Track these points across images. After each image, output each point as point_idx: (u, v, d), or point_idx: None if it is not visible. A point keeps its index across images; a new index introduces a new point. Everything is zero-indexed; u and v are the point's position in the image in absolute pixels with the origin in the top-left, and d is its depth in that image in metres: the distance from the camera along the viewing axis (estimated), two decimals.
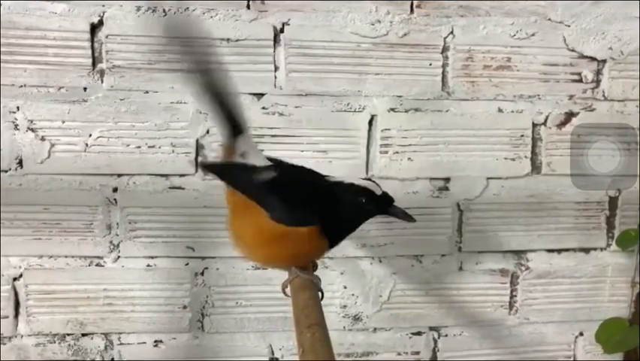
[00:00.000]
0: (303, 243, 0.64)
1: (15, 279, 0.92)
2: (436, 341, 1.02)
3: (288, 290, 0.68)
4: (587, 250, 1.02)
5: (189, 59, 0.70)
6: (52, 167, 0.89)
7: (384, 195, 0.67)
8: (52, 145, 0.89)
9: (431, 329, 1.01)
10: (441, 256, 0.99)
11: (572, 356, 1.05)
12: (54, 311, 0.93)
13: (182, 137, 0.91)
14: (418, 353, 1.01)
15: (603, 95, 0.97)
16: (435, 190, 0.97)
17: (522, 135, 0.97)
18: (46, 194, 0.90)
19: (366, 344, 1.00)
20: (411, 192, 0.96)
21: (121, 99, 0.89)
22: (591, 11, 0.95)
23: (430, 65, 0.94)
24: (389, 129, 0.94)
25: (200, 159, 0.92)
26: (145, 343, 0.96)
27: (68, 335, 0.94)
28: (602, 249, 1.02)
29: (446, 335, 1.02)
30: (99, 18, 0.87)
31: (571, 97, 0.97)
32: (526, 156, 0.97)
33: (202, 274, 0.95)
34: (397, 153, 0.95)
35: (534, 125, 0.97)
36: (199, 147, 0.92)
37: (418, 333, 1.01)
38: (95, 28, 0.88)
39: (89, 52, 0.88)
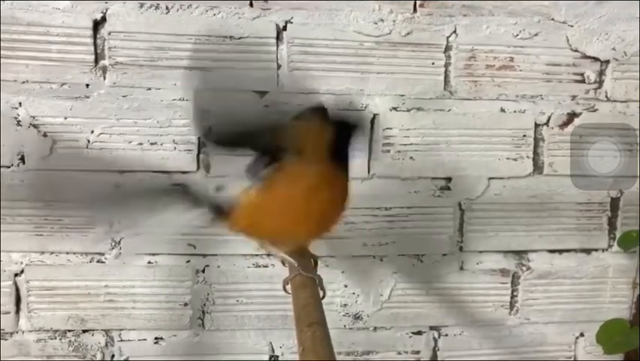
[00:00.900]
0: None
1: (16, 275, 0.92)
2: (436, 341, 1.02)
3: (288, 287, 0.68)
4: (588, 251, 1.02)
5: None
6: (55, 163, 0.89)
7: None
8: (55, 141, 0.89)
9: (432, 328, 1.01)
10: (442, 256, 0.99)
11: (573, 356, 1.05)
12: (55, 307, 0.93)
13: (185, 134, 0.91)
14: (418, 352, 1.01)
15: (606, 96, 0.97)
16: (436, 190, 0.97)
17: (524, 135, 0.97)
18: (48, 190, 0.90)
19: (366, 343, 1.00)
20: (412, 191, 0.96)
21: (123, 96, 0.89)
22: (595, 12, 0.95)
23: (433, 64, 0.94)
24: (391, 128, 0.94)
25: (202, 156, 0.92)
26: (145, 340, 0.96)
27: (69, 331, 0.95)
28: (603, 250, 1.02)
29: (446, 335, 1.02)
30: (102, 15, 0.87)
31: (573, 97, 0.97)
32: (528, 156, 0.97)
33: (203, 271, 0.95)
34: (399, 152, 0.95)
35: (536, 125, 0.97)
36: (201, 144, 0.92)
37: (419, 332, 1.01)
38: (97, 25, 0.88)
39: (92, 48, 0.88)
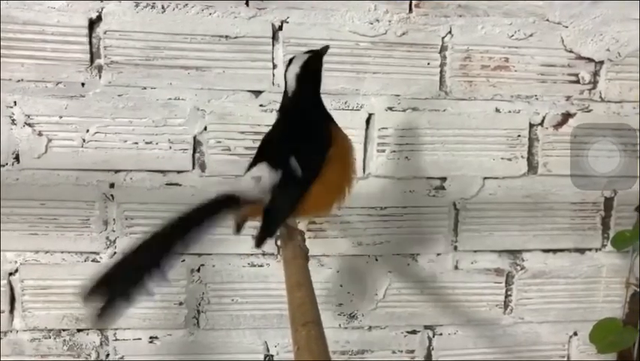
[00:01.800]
0: (344, 136, 0.72)
1: (11, 274, 0.92)
2: (430, 340, 1.02)
3: (279, 243, 0.72)
4: (582, 251, 1.02)
5: None
6: (50, 162, 0.89)
7: (311, 51, 0.72)
8: (50, 140, 0.89)
9: (426, 327, 1.02)
10: (436, 255, 0.99)
11: (566, 355, 1.05)
12: (50, 307, 0.93)
13: (180, 133, 0.91)
14: (412, 351, 1.02)
15: (600, 97, 0.98)
16: (431, 189, 0.97)
17: (519, 135, 0.97)
18: (43, 189, 0.90)
19: (361, 342, 1.00)
20: (407, 190, 0.96)
21: (119, 95, 0.89)
22: (589, 12, 0.95)
23: (428, 64, 0.94)
24: (386, 128, 0.94)
25: (197, 156, 0.92)
26: (140, 339, 0.96)
27: (64, 330, 0.94)
28: (597, 249, 1.02)
29: (441, 334, 1.02)
30: (97, 14, 0.87)
31: (568, 98, 0.97)
32: (522, 156, 0.98)
33: (198, 270, 0.95)
34: (394, 151, 0.95)
35: (531, 125, 0.97)
36: (196, 144, 0.92)
37: (413, 332, 1.01)
38: (93, 24, 0.87)
39: (87, 47, 0.88)
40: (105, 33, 0.87)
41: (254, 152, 0.73)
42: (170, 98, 0.90)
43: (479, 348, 1.03)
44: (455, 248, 0.99)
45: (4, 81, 0.86)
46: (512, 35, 0.94)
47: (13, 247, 0.91)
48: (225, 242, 0.94)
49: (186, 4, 0.88)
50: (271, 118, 0.91)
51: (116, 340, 0.96)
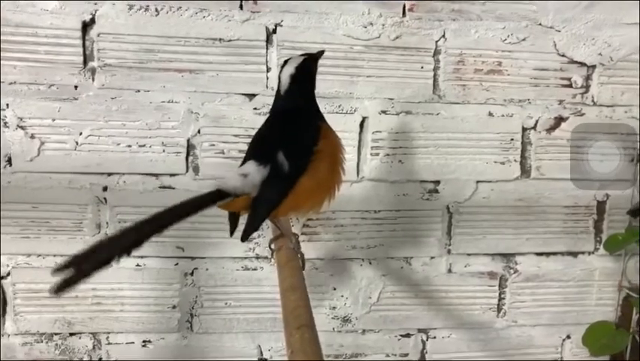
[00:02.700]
0: (334, 137, 0.72)
1: (2, 277, 0.91)
2: (424, 343, 1.02)
3: (273, 245, 0.72)
4: (574, 254, 1.03)
5: None
6: (42, 165, 0.89)
7: (307, 54, 0.73)
8: (42, 143, 0.88)
9: (420, 330, 1.02)
10: (430, 259, 0.99)
11: (559, 358, 1.06)
12: (42, 310, 0.93)
13: (173, 136, 0.91)
14: (406, 354, 1.02)
15: (592, 101, 0.98)
16: (425, 193, 0.97)
17: (512, 139, 0.97)
18: (35, 192, 0.89)
19: (355, 345, 1.00)
20: (401, 194, 0.97)
21: (112, 98, 0.89)
22: (581, 17, 0.96)
23: (422, 68, 0.94)
24: (380, 131, 0.95)
25: (191, 159, 0.91)
26: (133, 343, 0.96)
27: (56, 334, 0.94)
28: (589, 253, 1.03)
29: (434, 337, 1.02)
30: (91, 16, 0.87)
31: (560, 102, 0.98)
32: (515, 160, 0.98)
33: (191, 274, 0.95)
34: (388, 155, 0.95)
35: (524, 129, 0.98)
36: (190, 147, 0.91)
37: (407, 335, 1.01)
38: (86, 27, 0.87)
39: (81, 50, 0.87)
40: (99, 36, 0.87)
41: None
42: (163, 101, 0.90)
43: (473, 351, 1.03)
44: (449, 251, 1.00)
45: None
46: (505, 39, 0.95)
47: (4, 251, 0.90)
48: (219, 245, 0.94)
49: (180, 7, 0.88)
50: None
51: (109, 343, 0.95)
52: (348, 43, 0.92)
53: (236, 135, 0.92)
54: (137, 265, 0.93)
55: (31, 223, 0.90)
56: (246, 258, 0.95)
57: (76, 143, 0.89)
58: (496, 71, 0.96)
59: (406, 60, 0.93)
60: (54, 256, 0.92)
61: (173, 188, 0.92)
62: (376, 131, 0.94)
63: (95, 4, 0.86)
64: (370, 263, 0.98)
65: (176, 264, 0.94)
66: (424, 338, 1.02)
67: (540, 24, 0.95)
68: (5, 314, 0.92)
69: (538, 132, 0.98)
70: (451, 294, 1.01)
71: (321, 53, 0.74)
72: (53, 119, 0.88)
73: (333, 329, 0.99)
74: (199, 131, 0.91)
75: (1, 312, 0.92)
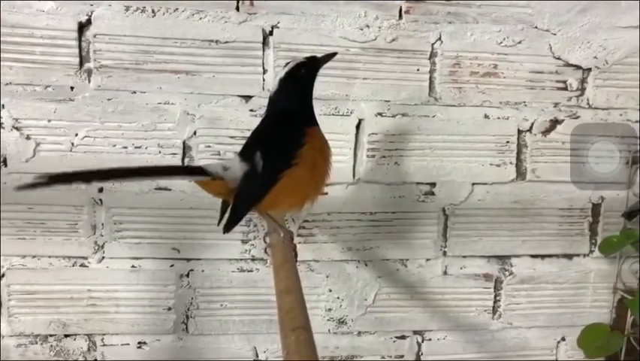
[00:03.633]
0: (320, 142, 0.73)
1: None
2: (419, 345, 1.02)
3: (269, 250, 0.74)
4: (570, 256, 1.03)
5: None
6: (37, 166, 0.88)
7: (308, 58, 0.75)
8: (38, 144, 0.88)
9: (415, 332, 1.02)
10: (426, 261, 0.99)
11: (555, 360, 1.06)
12: (36, 312, 0.92)
13: (169, 138, 0.91)
14: (402, 356, 1.02)
15: (588, 103, 0.99)
16: (421, 195, 0.97)
17: (507, 142, 0.98)
18: (30, 193, 0.88)
19: (350, 347, 1.00)
20: (397, 196, 0.97)
21: (108, 99, 0.89)
22: (577, 20, 0.96)
23: (418, 70, 0.94)
24: (376, 134, 0.95)
25: (187, 160, 0.91)
26: (128, 344, 0.95)
27: (51, 335, 0.94)
28: (584, 255, 1.03)
29: (430, 339, 1.02)
30: (87, 17, 0.87)
31: (556, 104, 0.98)
32: (511, 162, 0.98)
33: (187, 275, 0.95)
34: (384, 157, 0.95)
35: (519, 131, 0.98)
36: (186, 148, 0.91)
37: (402, 337, 1.02)
38: (82, 27, 0.87)
39: (77, 51, 0.87)
40: (95, 37, 0.87)
41: None
42: (159, 103, 0.90)
43: (468, 353, 1.03)
44: (444, 253, 1.00)
45: None
46: (501, 42, 0.95)
47: None
48: (215, 247, 0.94)
49: (177, 9, 0.88)
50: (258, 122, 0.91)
51: (104, 345, 0.95)
52: (344, 46, 0.92)
53: (232, 137, 0.91)
54: (133, 267, 0.93)
55: (26, 225, 0.90)
56: (241, 260, 0.95)
57: (72, 144, 0.89)
58: (492, 74, 0.96)
59: (402, 62, 0.94)
60: (49, 257, 0.91)
61: (169, 190, 0.92)
62: (372, 134, 0.95)
63: (92, 5, 0.86)
64: (366, 265, 0.98)
65: (172, 265, 0.94)
66: (420, 340, 1.02)
67: (536, 27, 0.96)
68: (0, 316, 0.92)
69: (534, 135, 0.98)
70: (446, 296, 1.01)
71: (331, 56, 0.76)
72: (49, 120, 0.88)
73: (329, 330, 0.99)
74: (195, 133, 0.91)
75: None
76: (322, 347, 0.99)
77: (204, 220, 0.92)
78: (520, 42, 0.95)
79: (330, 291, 0.98)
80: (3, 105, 0.87)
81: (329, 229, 0.96)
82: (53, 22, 0.86)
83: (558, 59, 0.97)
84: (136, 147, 0.90)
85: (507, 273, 1.02)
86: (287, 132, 0.72)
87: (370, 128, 0.95)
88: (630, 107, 0.99)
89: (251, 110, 0.91)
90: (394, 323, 1.01)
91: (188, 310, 0.95)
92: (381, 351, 1.01)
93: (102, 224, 0.91)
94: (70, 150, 0.89)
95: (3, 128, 0.87)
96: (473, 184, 0.98)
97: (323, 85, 0.92)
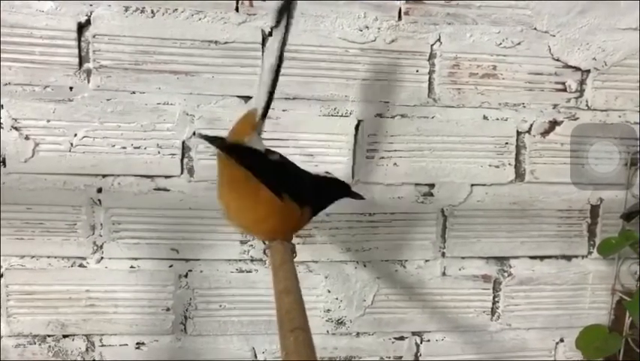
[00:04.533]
0: (296, 219, 0.74)
1: None
2: (418, 346, 1.02)
3: (268, 251, 0.74)
4: (568, 258, 1.03)
5: None
6: (36, 166, 0.88)
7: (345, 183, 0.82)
8: (37, 144, 0.88)
9: (414, 333, 1.02)
10: (425, 262, 0.99)
11: None
12: (35, 312, 0.92)
13: (168, 138, 0.91)
14: (400, 357, 1.02)
15: (587, 105, 0.99)
16: (420, 196, 0.97)
17: (506, 143, 0.98)
18: (29, 193, 0.89)
19: (349, 348, 1.00)
20: (396, 197, 0.97)
21: (107, 99, 0.89)
22: (576, 22, 0.96)
23: (417, 71, 0.94)
24: (375, 134, 0.95)
25: (186, 161, 0.91)
26: (127, 345, 0.95)
27: (49, 336, 0.94)
28: (583, 256, 1.03)
29: (429, 340, 1.02)
30: (86, 17, 0.87)
31: (555, 106, 0.98)
32: (510, 164, 0.98)
33: (186, 276, 0.95)
34: (383, 158, 0.95)
35: (518, 133, 0.98)
36: (185, 149, 0.91)
37: (401, 338, 1.02)
38: (82, 28, 0.87)
39: (76, 51, 0.87)
40: (94, 37, 0.87)
41: None
42: (159, 103, 0.90)
43: (466, 354, 1.03)
44: (443, 254, 1.00)
45: None
46: (500, 43, 0.95)
47: None
48: (213, 248, 0.94)
49: (176, 9, 0.88)
50: None
51: (102, 345, 0.95)
52: (343, 47, 0.92)
53: None
54: (131, 267, 0.93)
55: (25, 225, 0.90)
56: (240, 260, 0.95)
57: (71, 144, 0.89)
58: (491, 75, 0.96)
59: (401, 63, 0.94)
60: (48, 257, 0.91)
61: (168, 190, 0.92)
62: (371, 134, 0.95)
63: (91, 5, 0.86)
64: (365, 266, 0.98)
65: (171, 266, 0.94)
66: (418, 341, 1.02)
67: (535, 28, 0.96)
68: None
69: (533, 136, 0.98)
70: (445, 297, 1.01)
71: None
72: (48, 121, 0.88)
73: (328, 331, 0.99)
74: (194, 134, 0.91)
75: None
76: (321, 348, 0.99)
77: (203, 221, 0.92)
78: (519, 43, 0.96)
79: (329, 292, 0.98)
80: (2, 105, 0.86)
81: (328, 230, 0.96)
82: (53, 22, 0.86)
83: (557, 60, 0.97)
84: (135, 147, 0.90)
85: (506, 274, 1.02)
86: None
87: (369, 129, 0.95)
88: (629, 109, 0.99)
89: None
90: (393, 323, 1.01)
91: (186, 310, 0.95)
92: (379, 352, 1.01)
93: (101, 224, 0.91)
94: (69, 150, 0.89)
95: (2, 128, 0.87)
96: (472, 185, 0.98)
97: (322, 86, 0.92)
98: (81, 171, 0.89)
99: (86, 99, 0.88)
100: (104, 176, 0.90)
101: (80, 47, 0.87)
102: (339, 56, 0.92)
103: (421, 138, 0.96)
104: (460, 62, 0.95)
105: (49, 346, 0.94)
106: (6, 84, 0.86)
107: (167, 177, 0.91)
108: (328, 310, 0.99)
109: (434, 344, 1.02)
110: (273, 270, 0.67)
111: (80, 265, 0.92)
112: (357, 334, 1.00)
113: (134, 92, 0.89)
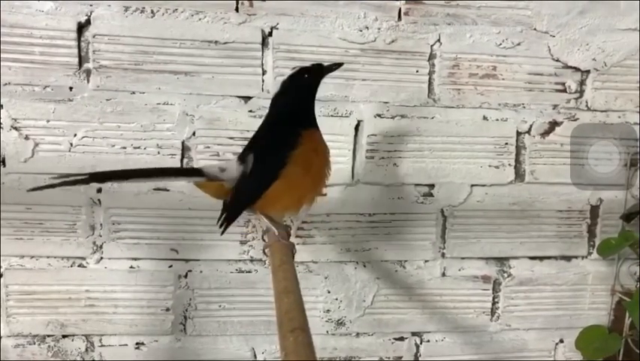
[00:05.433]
0: (316, 144, 0.74)
1: None
2: (418, 347, 1.02)
3: (267, 251, 0.74)
4: (568, 258, 1.03)
5: None
6: (36, 166, 0.88)
7: (314, 65, 0.77)
8: (36, 144, 0.88)
9: (413, 334, 1.02)
10: (424, 262, 0.99)
11: None
12: (34, 312, 0.92)
13: (168, 138, 0.91)
14: (400, 357, 1.02)
15: (586, 105, 0.99)
16: (419, 196, 0.97)
17: (506, 143, 0.98)
18: (28, 193, 0.88)
19: (348, 348, 1.00)
20: (396, 197, 0.97)
21: (107, 99, 0.89)
22: (576, 22, 0.96)
23: (417, 72, 0.94)
24: (375, 135, 0.95)
25: (185, 161, 0.91)
26: (126, 345, 0.95)
27: (48, 336, 0.94)
28: (583, 257, 1.03)
29: (428, 341, 1.02)
30: (86, 17, 0.87)
31: (555, 106, 0.98)
32: (509, 164, 0.98)
33: (185, 276, 0.95)
34: (383, 158, 0.95)
35: (518, 133, 0.98)
36: (185, 149, 0.91)
37: (401, 338, 1.02)
38: (82, 28, 0.87)
39: (76, 51, 0.87)
40: (94, 37, 0.87)
41: None
42: (158, 103, 0.90)
43: (466, 355, 1.03)
44: (443, 255, 1.00)
45: None
46: (500, 44, 0.95)
47: None
48: (213, 248, 0.94)
49: (176, 9, 0.88)
50: (260, 124, 0.91)
51: (102, 346, 0.95)
52: (343, 47, 0.92)
53: (231, 138, 0.92)
54: (131, 267, 0.93)
55: (24, 225, 0.90)
56: (240, 260, 0.95)
57: (71, 144, 0.89)
58: (491, 76, 0.96)
59: (401, 64, 0.94)
60: (47, 257, 0.91)
61: (168, 190, 0.91)
62: (371, 135, 0.95)
63: (91, 5, 0.86)
64: (365, 266, 0.98)
65: (170, 266, 0.94)
66: (418, 342, 1.02)
67: (535, 29, 0.96)
68: None
69: (533, 137, 0.98)
70: (444, 297, 1.01)
71: (337, 65, 0.77)
72: (48, 121, 0.88)
73: (327, 331, 0.99)
74: (194, 134, 0.91)
75: None
76: (320, 349, 0.99)
77: (203, 221, 0.92)
78: (519, 44, 0.96)
79: (329, 292, 0.98)
80: (2, 105, 0.86)
81: (328, 230, 0.96)
82: (52, 22, 0.86)
83: (557, 60, 0.97)
84: (135, 148, 0.90)
85: (505, 275, 1.02)
86: (282, 134, 0.73)
87: (369, 129, 0.95)
88: (629, 110, 0.99)
89: (250, 111, 0.91)
90: (393, 324, 1.01)
91: (186, 310, 0.95)
92: (379, 352, 1.01)
93: (100, 224, 0.91)
94: (69, 150, 0.89)
95: (2, 128, 0.87)
96: (472, 186, 0.98)
97: (322, 86, 0.91)
98: (81, 171, 0.89)
99: (86, 99, 0.88)
100: None
101: (79, 47, 0.87)
102: (339, 57, 0.92)
103: (421, 139, 0.96)
104: (460, 63, 0.95)
105: (49, 346, 0.94)
106: (6, 84, 0.86)
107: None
108: (328, 310, 0.99)
109: (434, 344, 1.02)
110: (273, 270, 0.67)
111: (80, 265, 0.92)
112: (357, 334, 1.00)
113: (133, 93, 0.89)
